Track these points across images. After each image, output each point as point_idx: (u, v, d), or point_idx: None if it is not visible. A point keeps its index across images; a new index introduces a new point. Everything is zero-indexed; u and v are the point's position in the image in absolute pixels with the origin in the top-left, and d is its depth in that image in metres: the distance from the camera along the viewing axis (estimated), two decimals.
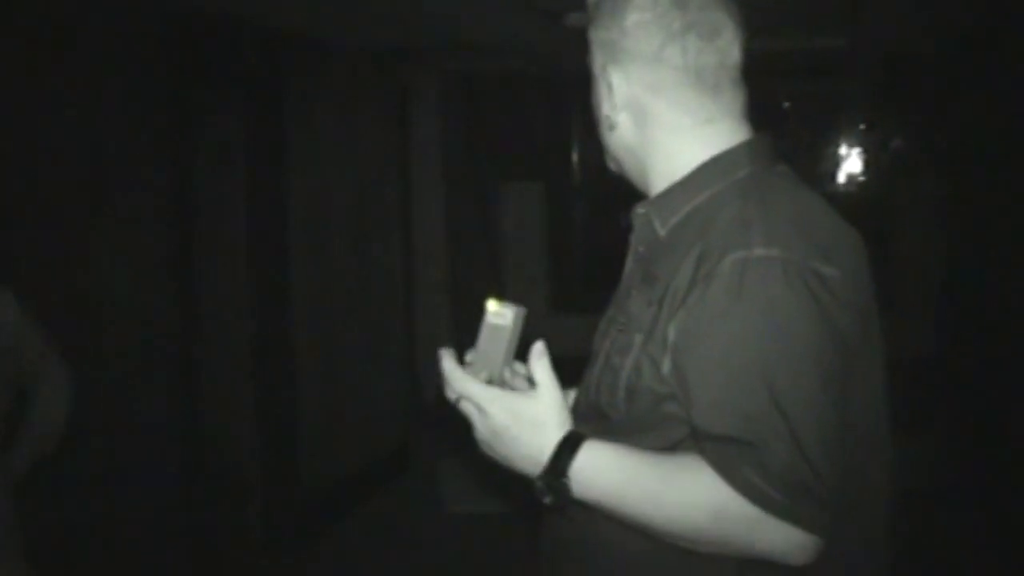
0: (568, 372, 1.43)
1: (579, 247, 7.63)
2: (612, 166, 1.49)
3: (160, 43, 3.98)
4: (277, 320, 4.83)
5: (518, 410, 1.28)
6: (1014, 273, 4.36)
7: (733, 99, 1.40)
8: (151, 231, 3.94)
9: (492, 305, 1.39)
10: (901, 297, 6.70)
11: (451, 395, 1.33)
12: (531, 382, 1.31)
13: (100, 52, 3.68)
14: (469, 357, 1.41)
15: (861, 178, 7.60)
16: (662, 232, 1.38)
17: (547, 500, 1.26)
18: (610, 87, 1.40)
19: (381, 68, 5.96)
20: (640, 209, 1.44)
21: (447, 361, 1.34)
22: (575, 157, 7.52)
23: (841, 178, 7.63)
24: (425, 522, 5.08)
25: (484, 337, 1.39)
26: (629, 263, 1.48)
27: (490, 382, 1.36)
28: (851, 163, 7.64)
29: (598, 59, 1.42)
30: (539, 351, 1.29)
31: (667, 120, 1.39)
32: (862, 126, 7.62)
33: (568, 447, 1.25)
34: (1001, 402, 4.80)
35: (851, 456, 1.24)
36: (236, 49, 4.59)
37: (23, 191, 3.31)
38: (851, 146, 7.65)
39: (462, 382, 1.31)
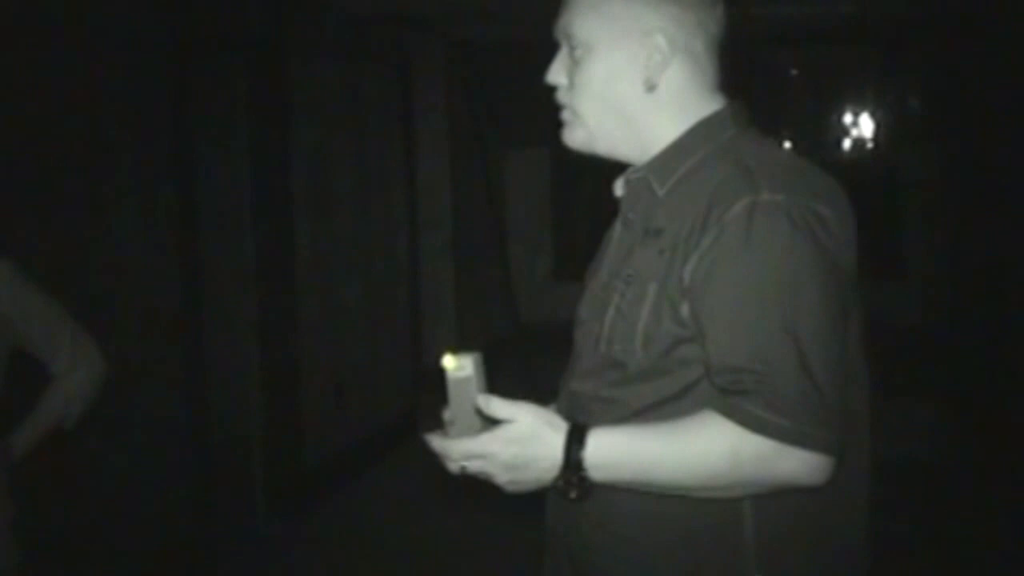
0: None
1: (584, 214, 7.62)
2: (578, 137, 1.50)
3: (162, 8, 3.95)
4: (281, 287, 4.83)
5: (513, 436, 1.32)
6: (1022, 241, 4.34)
7: (719, 67, 1.50)
8: (153, 198, 3.93)
9: (449, 361, 1.41)
10: (911, 264, 6.70)
11: (455, 467, 1.37)
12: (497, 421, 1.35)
13: (101, 18, 3.65)
14: (447, 416, 1.44)
15: (869, 145, 7.58)
16: (661, 192, 1.44)
17: (573, 495, 1.32)
18: (638, 54, 1.44)
19: (385, 35, 5.92)
20: (635, 174, 1.49)
21: (434, 441, 1.38)
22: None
23: (847, 145, 7.61)
24: (426, 489, 5.11)
25: (452, 394, 1.42)
26: (617, 229, 1.54)
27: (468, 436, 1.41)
28: (858, 131, 7.61)
29: (627, 24, 1.45)
30: (483, 401, 1.35)
31: (677, 86, 1.47)
32: (869, 94, 7.59)
33: (575, 440, 1.30)
34: (1011, 369, 4.79)
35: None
36: (240, 14, 4.56)
37: (22, 161, 3.30)
38: (858, 114, 7.62)
39: (455, 447, 1.35)
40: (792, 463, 1.26)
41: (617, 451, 1.31)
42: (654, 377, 1.37)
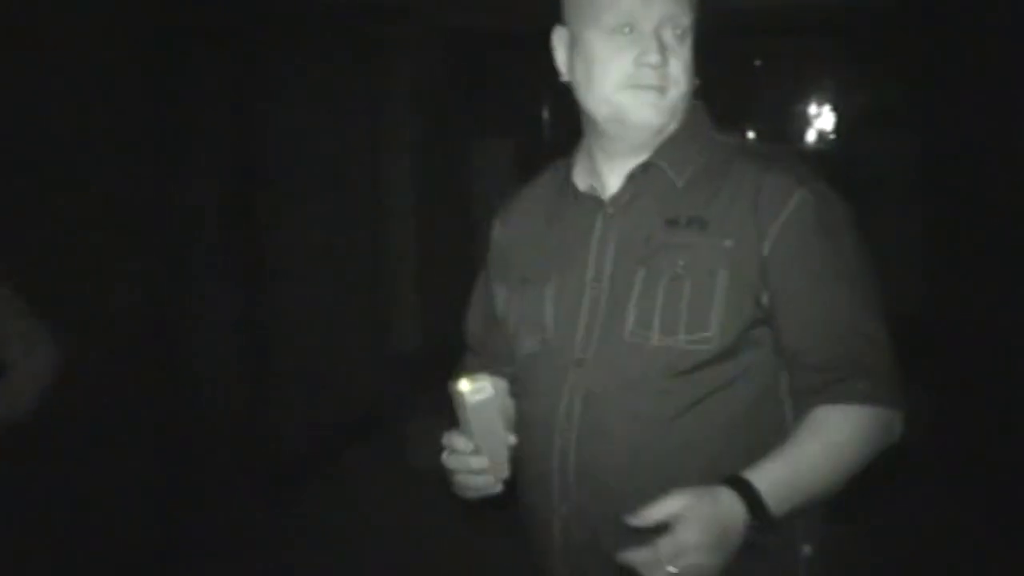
0: None
1: None
2: (667, 108, 1.48)
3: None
4: (254, 280, 4.82)
5: (703, 515, 1.27)
6: (990, 234, 4.38)
7: None
8: (126, 187, 3.89)
9: (465, 385, 1.37)
10: (876, 254, 6.73)
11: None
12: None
13: (76, 9, 3.61)
14: (462, 445, 1.42)
15: (832, 136, 7.62)
16: (680, 183, 1.48)
17: (762, 540, 1.32)
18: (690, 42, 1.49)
19: (354, 23, 5.87)
20: (641, 166, 1.49)
21: (637, 556, 1.27)
22: (545, 114, 7.47)
23: (811, 136, 7.65)
24: (392, 480, 5.09)
25: (472, 419, 1.38)
26: (595, 224, 1.51)
27: (497, 457, 1.40)
28: (823, 121, 7.65)
29: (691, 14, 1.48)
30: (648, 513, 1.28)
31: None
32: (833, 84, 7.63)
33: (747, 493, 1.31)
34: (979, 358, 4.84)
35: None
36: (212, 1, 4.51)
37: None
38: (822, 104, 7.66)
39: (663, 553, 1.26)
40: (899, 426, 1.42)
41: (786, 484, 1.34)
42: (722, 361, 1.41)
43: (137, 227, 3.96)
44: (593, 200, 1.53)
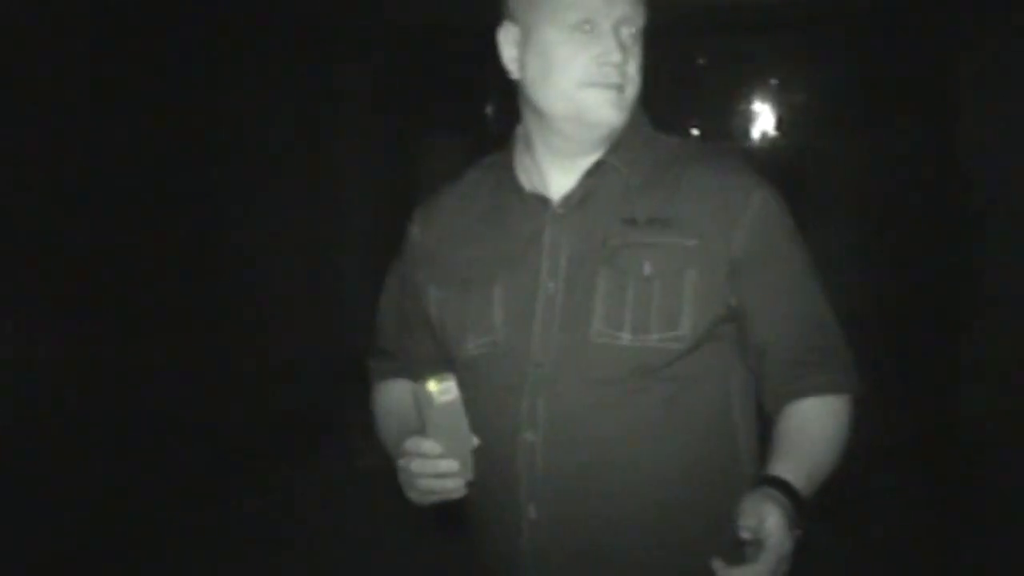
0: None
1: None
2: (622, 118, 1.49)
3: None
4: (206, 273, 4.79)
5: (781, 525, 1.28)
6: (932, 231, 4.46)
7: None
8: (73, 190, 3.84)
9: (434, 385, 1.34)
10: (816, 252, 6.82)
11: None
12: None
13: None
14: (428, 448, 1.38)
15: (775, 134, 7.70)
16: (636, 182, 1.48)
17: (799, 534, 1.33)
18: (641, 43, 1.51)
19: (303, 18, 5.83)
20: (595, 165, 1.49)
21: (733, 572, 1.28)
22: (490, 111, 7.46)
23: (756, 134, 7.72)
24: (335, 477, 5.06)
25: (438, 421, 1.35)
26: (545, 226, 1.49)
27: (463, 459, 1.38)
28: (766, 119, 7.72)
29: (645, 15, 1.50)
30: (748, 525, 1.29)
31: None
32: (775, 82, 7.70)
33: (789, 493, 1.33)
34: (923, 356, 4.92)
35: None
36: None
37: None
38: (765, 102, 7.73)
39: (759, 570, 1.26)
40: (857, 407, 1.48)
41: (806, 481, 1.38)
42: (688, 357, 1.43)
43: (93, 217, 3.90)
44: (540, 200, 1.51)
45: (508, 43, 1.51)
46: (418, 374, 1.42)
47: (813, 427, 1.43)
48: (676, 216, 1.45)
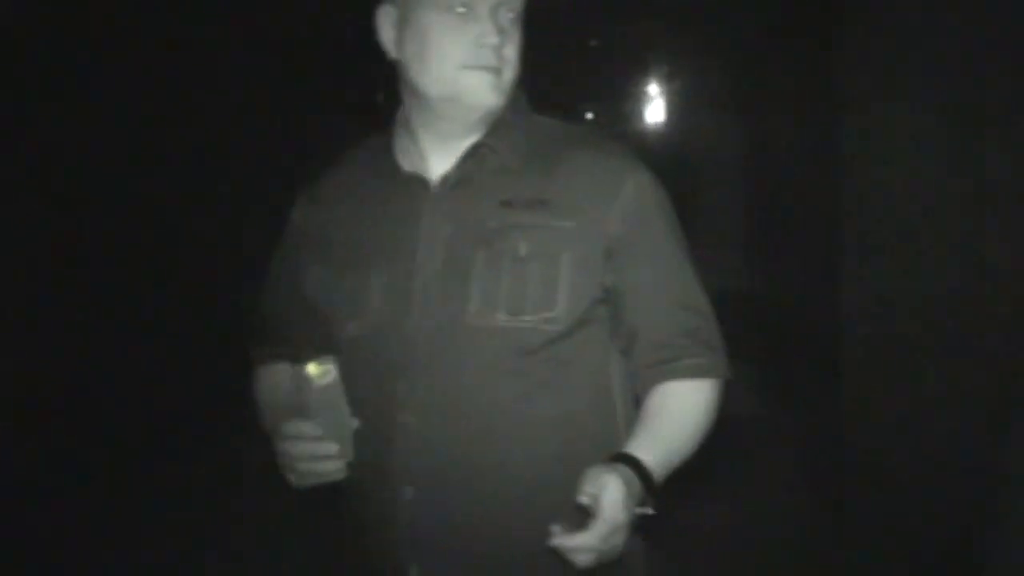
0: None
1: None
2: (499, 101, 1.48)
3: None
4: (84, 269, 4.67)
5: (619, 497, 1.28)
6: (809, 213, 4.56)
7: None
8: None
9: (314, 368, 1.35)
10: (710, 232, 6.95)
11: (588, 559, 1.27)
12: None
13: None
14: (310, 429, 1.38)
15: (665, 117, 7.80)
16: (515, 164, 1.49)
17: (649, 511, 1.35)
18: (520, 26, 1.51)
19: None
20: (473, 147, 1.49)
21: (567, 541, 1.26)
22: (381, 96, 7.39)
23: (647, 117, 7.82)
24: (221, 469, 4.99)
25: (319, 404, 1.35)
26: (427, 205, 1.49)
27: (343, 442, 1.38)
28: (657, 103, 7.82)
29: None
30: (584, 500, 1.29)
31: None
32: (668, 66, 7.80)
33: (638, 469, 1.34)
34: (802, 333, 5.04)
35: None
36: None
37: None
38: (658, 85, 7.83)
39: (592, 537, 1.26)
40: (722, 388, 1.49)
41: (662, 461, 1.38)
42: (565, 339, 1.43)
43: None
44: (419, 181, 1.50)
45: (387, 24, 1.50)
46: (298, 357, 1.41)
47: (674, 409, 1.45)
48: (553, 198, 1.45)
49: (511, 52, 1.46)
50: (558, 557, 1.31)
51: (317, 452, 1.40)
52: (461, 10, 1.42)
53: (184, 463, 4.96)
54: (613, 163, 1.49)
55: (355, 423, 1.40)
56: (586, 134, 1.57)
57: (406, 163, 1.51)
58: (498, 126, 1.50)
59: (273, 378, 1.64)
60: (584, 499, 1.27)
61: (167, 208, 5.53)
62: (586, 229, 1.44)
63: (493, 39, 1.42)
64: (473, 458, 1.41)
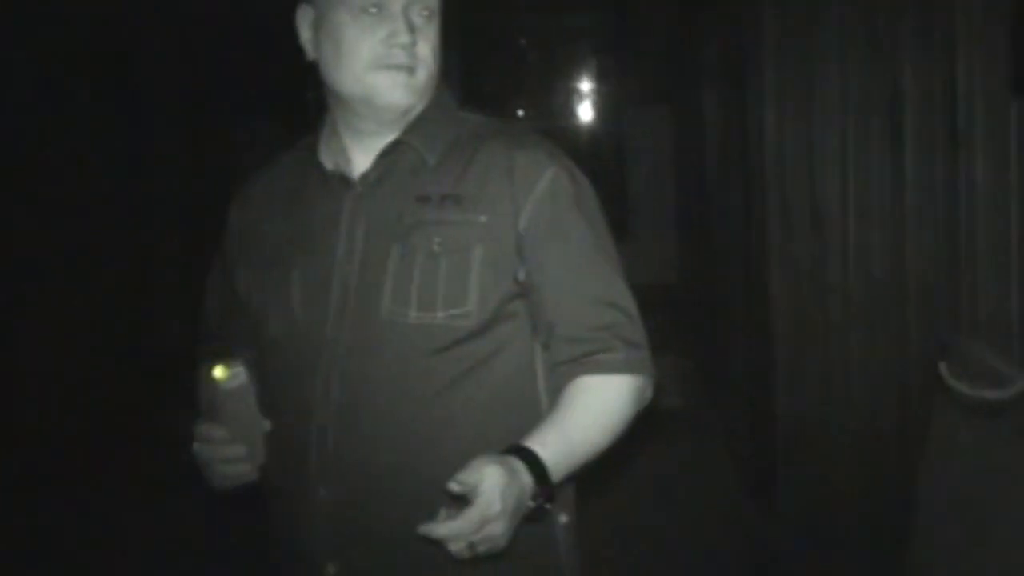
0: None
1: None
2: (411, 100, 1.49)
3: None
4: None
5: (499, 484, 1.27)
6: (733, 209, 4.63)
7: None
8: None
9: (220, 371, 1.35)
10: (638, 226, 7.01)
11: (462, 548, 1.27)
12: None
13: None
14: (220, 435, 1.39)
15: (594, 113, 7.84)
16: (432, 160, 1.49)
17: (548, 507, 1.36)
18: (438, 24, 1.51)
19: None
20: (392, 145, 1.50)
21: (438, 529, 1.26)
22: (310, 95, 7.32)
23: (578, 113, 7.84)
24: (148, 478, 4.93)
25: (227, 407, 1.36)
26: (347, 203, 1.50)
27: (252, 445, 1.38)
28: (586, 99, 7.85)
29: None
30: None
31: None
32: (597, 61, 7.83)
33: (533, 463, 1.33)
34: (726, 326, 5.11)
35: None
36: None
37: None
38: (587, 81, 7.86)
39: (466, 524, 1.25)
40: (650, 391, 1.49)
41: (563, 454, 1.37)
42: (480, 335, 1.43)
43: None
44: (341, 180, 1.51)
45: (304, 25, 1.51)
46: (213, 360, 1.41)
47: (584, 404, 1.43)
48: (467, 193, 1.46)
49: (425, 50, 1.47)
50: (477, 562, 1.31)
51: (226, 455, 1.40)
52: (373, 10, 1.44)
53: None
54: (531, 155, 1.48)
55: (266, 426, 1.40)
56: (507, 129, 1.56)
57: (330, 162, 1.53)
58: (418, 123, 1.51)
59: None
60: (455, 486, 1.26)
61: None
62: (499, 223, 1.44)
63: (404, 38, 1.44)
64: (387, 458, 1.41)
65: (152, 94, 6.21)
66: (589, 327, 1.44)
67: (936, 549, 1.87)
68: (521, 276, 1.45)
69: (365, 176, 1.50)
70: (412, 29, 1.44)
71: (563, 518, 1.51)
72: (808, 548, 3.23)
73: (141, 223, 6.08)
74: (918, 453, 2.02)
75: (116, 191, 5.79)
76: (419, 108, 1.51)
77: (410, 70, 1.46)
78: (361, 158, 1.51)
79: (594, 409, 1.43)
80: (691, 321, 6.13)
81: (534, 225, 1.44)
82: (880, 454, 2.43)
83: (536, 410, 1.47)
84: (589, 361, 1.43)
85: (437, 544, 1.28)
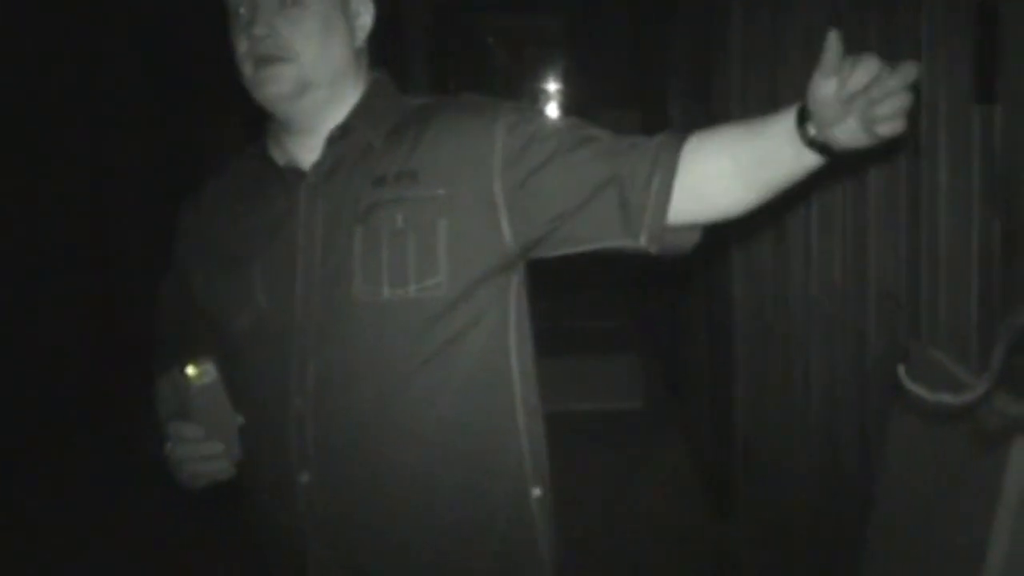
0: None
1: None
2: (290, 77, 1.48)
3: None
4: None
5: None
6: None
7: None
8: None
9: (192, 370, 1.36)
10: None
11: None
12: None
13: None
14: (192, 433, 1.40)
15: (561, 114, 7.86)
16: (378, 142, 1.52)
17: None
18: (357, 12, 1.54)
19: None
20: (339, 130, 1.52)
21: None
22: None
23: (545, 113, 7.86)
24: (118, 473, 4.89)
25: (199, 405, 1.36)
26: (302, 193, 1.51)
27: (227, 441, 1.38)
28: (553, 99, 7.88)
29: None
30: None
31: (365, 50, 1.58)
32: (564, 60, 7.86)
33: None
34: (688, 327, 5.14)
35: None
36: None
37: None
38: (555, 80, 7.88)
39: None
40: None
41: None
42: (454, 309, 1.44)
43: None
44: (293, 172, 1.53)
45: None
46: (192, 358, 1.41)
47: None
48: (422, 168, 1.48)
49: (299, 39, 1.47)
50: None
51: (202, 453, 1.41)
52: (241, 10, 1.47)
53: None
54: (478, 119, 1.51)
55: (240, 421, 1.41)
56: (451, 101, 1.59)
57: (281, 156, 1.55)
58: (360, 108, 1.54)
59: (168, 383, 1.65)
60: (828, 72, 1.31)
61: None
62: (460, 194, 1.46)
63: (258, 29, 1.45)
64: (363, 439, 1.42)
65: (120, 93, 6.16)
66: (642, 143, 1.48)
67: (892, 552, 1.89)
68: (505, 227, 1.45)
69: (317, 165, 1.51)
70: (269, 19, 1.44)
71: (537, 491, 1.52)
72: (765, 549, 3.26)
73: (108, 224, 6.05)
74: (877, 457, 2.04)
75: (82, 190, 5.75)
76: (355, 95, 1.54)
77: (283, 60, 1.46)
78: (307, 150, 1.53)
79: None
80: (654, 322, 6.17)
81: (511, 167, 1.46)
82: (838, 456, 2.45)
83: (509, 388, 1.49)
84: (673, 139, 1.48)
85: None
